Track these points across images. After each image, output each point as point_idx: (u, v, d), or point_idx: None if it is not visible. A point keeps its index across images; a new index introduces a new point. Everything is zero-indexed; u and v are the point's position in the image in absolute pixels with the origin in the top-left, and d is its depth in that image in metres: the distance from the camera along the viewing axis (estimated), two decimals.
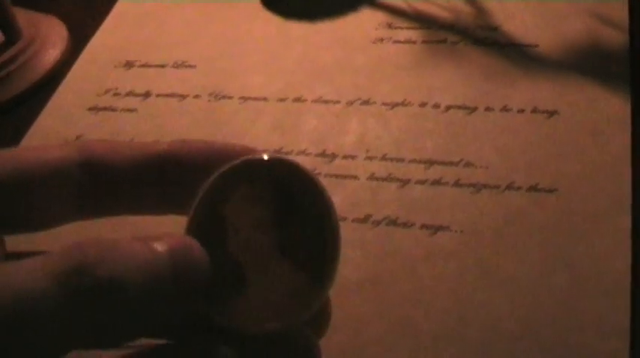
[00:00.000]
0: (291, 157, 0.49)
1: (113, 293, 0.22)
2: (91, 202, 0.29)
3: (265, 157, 0.26)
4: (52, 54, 0.68)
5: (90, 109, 0.62)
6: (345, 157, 0.53)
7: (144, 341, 0.25)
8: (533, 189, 0.49)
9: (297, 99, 0.59)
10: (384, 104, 0.57)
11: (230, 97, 0.60)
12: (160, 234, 0.25)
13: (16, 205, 0.28)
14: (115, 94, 0.63)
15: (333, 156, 0.54)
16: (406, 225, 0.48)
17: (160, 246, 0.24)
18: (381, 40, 0.62)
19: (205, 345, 0.25)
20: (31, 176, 0.28)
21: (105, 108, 0.62)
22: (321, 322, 0.28)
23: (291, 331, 0.26)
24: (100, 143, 0.29)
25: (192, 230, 0.26)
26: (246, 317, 0.25)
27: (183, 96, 0.61)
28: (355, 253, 0.47)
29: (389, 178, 0.51)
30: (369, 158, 0.53)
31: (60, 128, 0.61)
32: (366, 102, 0.57)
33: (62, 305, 0.22)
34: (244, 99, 0.60)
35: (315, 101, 0.58)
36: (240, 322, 0.25)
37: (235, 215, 0.26)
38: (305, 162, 0.52)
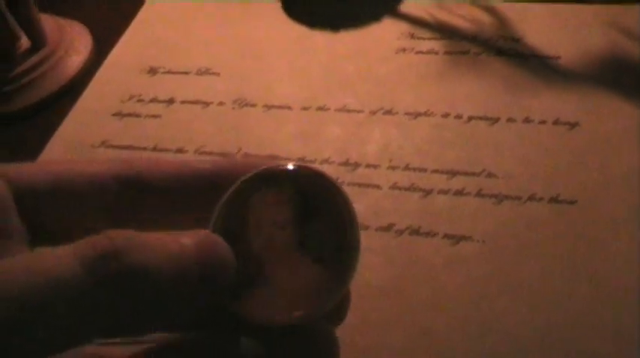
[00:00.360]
0: (315, 165, 0.49)
1: (141, 280, 0.23)
2: (128, 218, 0.29)
3: (289, 165, 0.27)
4: (76, 60, 0.69)
5: (114, 115, 0.63)
6: (367, 166, 0.54)
7: (163, 334, 0.26)
8: (554, 200, 0.49)
9: (321, 108, 0.59)
10: (407, 114, 0.57)
11: (254, 105, 0.61)
12: (185, 230, 0.25)
13: (51, 215, 0.28)
14: (139, 100, 0.64)
15: (356, 165, 0.54)
16: (429, 234, 0.49)
17: (186, 240, 0.24)
18: (404, 50, 0.62)
19: (227, 338, 0.25)
20: (69, 189, 0.28)
21: (129, 114, 0.62)
22: (340, 309, 0.28)
23: (310, 325, 0.26)
24: (145, 160, 0.29)
25: (215, 228, 0.27)
26: (267, 311, 0.26)
27: (207, 103, 0.62)
28: (378, 261, 0.47)
29: (412, 188, 0.52)
30: (392, 167, 0.53)
31: (84, 133, 0.62)
32: (389, 112, 0.57)
33: (90, 289, 0.22)
34: (268, 107, 0.60)
35: (338, 110, 0.58)
36: (260, 315, 0.26)
37: (258, 215, 0.27)
38: (328, 170, 0.51)
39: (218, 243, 0.25)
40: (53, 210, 0.28)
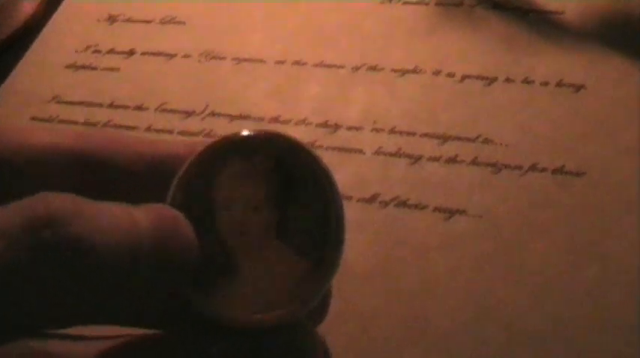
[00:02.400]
0: (290, 127, 0.51)
1: (79, 257, 0.20)
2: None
3: (262, 132, 0.26)
4: (27, 5, 0.64)
5: (68, 67, 0.60)
6: (349, 129, 0.51)
7: (123, 332, 0.23)
8: (558, 171, 0.46)
9: (297, 63, 0.56)
10: (394, 71, 0.54)
11: (223, 58, 0.57)
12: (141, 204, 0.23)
13: None
14: (96, 51, 0.60)
15: (336, 126, 0.51)
16: (418, 207, 0.46)
17: (140, 214, 0.22)
18: (390, 0, 0.59)
19: (191, 343, 0.23)
20: (7, 160, 0.25)
21: (84, 67, 0.60)
22: (318, 309, 0.26)
23: (288, 324, 0.24)
24: (104, 135, 0.27)
25: (175, 205, 0.24)
26: (236, 308, 0.24)
27: (171, 56, 0.59)
28: (361, 237, 0.45)
29: (398, 154, 0.49)
30: (377, 130, 0.50)
31: (35, 86, 0.59)
32: (374, 69, 0.54)
33: (12, 266, 0.19)
34: (239, 60, 0.57)
35: (316, 65, 0.55)
36: (230, 314, 0.24)
37: (226, 191, 0.24)
38: (305, 132, 0.51)
39: (178, 219, 0.23)
40: None
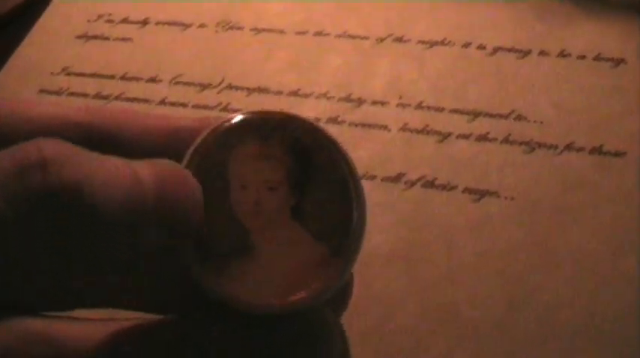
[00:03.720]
0: (311, 101, 0.49)
1: (76, 203, 0.19)
2: None
3: (278, 114, 0.26)
4: None
5: (79, 37, 0.58)
6: (373, 103, 0.49)
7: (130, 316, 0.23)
8: (596, 151, 0.45)
9: (319, 33, 0.54)
10: (421, 42, 0.52)
11: (241, 28, 0.56)
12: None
13: None
14: (108, 21, 0.59)
15: (360, 101, 0.50)
16: (446, 187, 0.45)
17: (143, 169, 0.21)
18: None
19: (193, 327, 0.22)
20: (6, 134, 0.24)
21: (96, 37, 0.58)
22: (339, 298, 0.26)
23: (304, 311, 0.23)
24: (112, 109, 0.27)
25: None
26: (249, 292, 0.23)
27: (186, 26, 0.57)
28: (384, 219, 0.43)
29: (425, 130, 0.47)
30: (402, 105, 0.49)
31: (44, 57, 0.57)
32: (400, 40, 0.53)
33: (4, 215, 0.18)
34: (257, 30, 0.56)
35: (339, 36, 0.54)
36: (241, 297, 0.23)
37: (241, 170, 0.24)
38: (326, 107, 0.49)
39: (185, 177, 0.22)
40: None
